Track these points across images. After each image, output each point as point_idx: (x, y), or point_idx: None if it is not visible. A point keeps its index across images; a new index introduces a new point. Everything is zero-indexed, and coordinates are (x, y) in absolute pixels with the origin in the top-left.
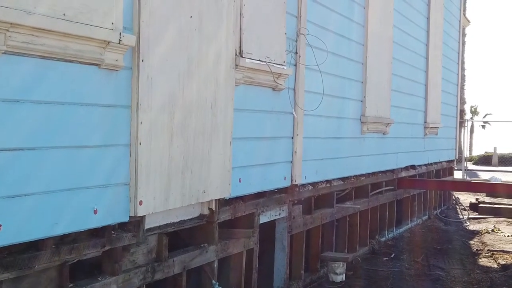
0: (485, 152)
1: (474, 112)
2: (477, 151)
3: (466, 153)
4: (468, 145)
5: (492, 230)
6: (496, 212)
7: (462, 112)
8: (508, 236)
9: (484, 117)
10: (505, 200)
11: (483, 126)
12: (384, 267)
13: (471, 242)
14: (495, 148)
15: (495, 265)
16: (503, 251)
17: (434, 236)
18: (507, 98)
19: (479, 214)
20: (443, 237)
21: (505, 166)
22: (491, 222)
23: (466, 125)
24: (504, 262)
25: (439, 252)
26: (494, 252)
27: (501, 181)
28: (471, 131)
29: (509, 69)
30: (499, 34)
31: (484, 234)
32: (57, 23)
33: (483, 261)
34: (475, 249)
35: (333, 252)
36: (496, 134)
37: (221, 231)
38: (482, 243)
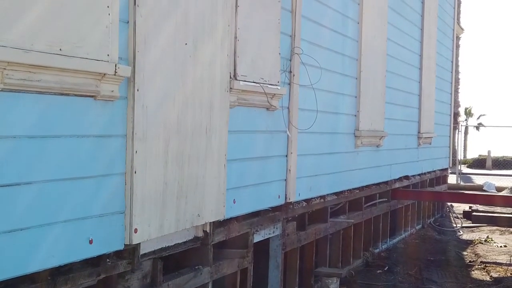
0: (479, 155)
1: (469, 113)
2: (472, 154)
3: (460, 156)
4: (462, 149)
5: (485, 240)
6: (489, 220)
7: (456, 115)
8: (500, 246)
9: (478, 118)
10: (498, 208)
11: (477, 128)
12: (377, 280)
13: (464, 253)
14: (489, 152)
15: (488, 278)
16: (495, 263)
17: (428, 246)
18: (500, 99)
19: (472, 223)
20: (437, 247)
21: (498, 169)
22: (484, 231)
23: (460, 129)
24: (496, 275)
25: (433, 264)
26: (487, 264)
27: (495, 187)
28: (465, 133)
29: (503, 69)
30: (493, 34)
31: (477, 245)
32: (54, 59)
33: (476, 274)
34: (468, 261)
35: (327, 266)
36: (490, 135)
37: (215, 251)
38: (475, 254)
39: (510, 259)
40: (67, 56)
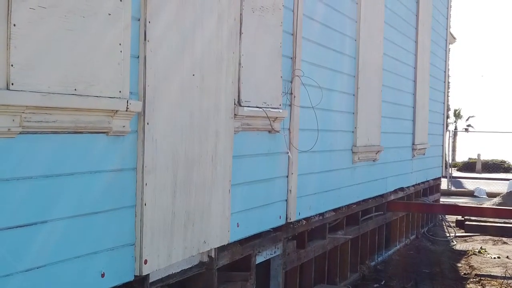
0: (469, 159)
1: (458, 115)
2: (461, 156)
3: (449, 159)
4: (451, 152)
5: (479, 252)
6: (482, 230)
7: (446, 118)
8: (494, 258)
9: (467, 120)
10: (490, 218)
11: (466, 130)
12: None
13: (459, 264)
14: (478, 155)
15: None
16: (490, 276)
17: (422, 258)
18: (489, 99)
19: (465, 232)
20: (431, 259)
21: (488, 172)
22: (477, 240)
23: (451, 135)
24: None
25: (428, 276)
26: (481, 278)
27: (486, 192)
28: (455, 134)
29: (492, 70)
30: (481, 35)
31: (471, 256)
32: (69, 99)
33: None
34: (462, 273)
35: (325, 281)
36: (480, 138)
37: (219, 274)
38: (469, 266)
39: (505, 272)
40: (82, 95)
